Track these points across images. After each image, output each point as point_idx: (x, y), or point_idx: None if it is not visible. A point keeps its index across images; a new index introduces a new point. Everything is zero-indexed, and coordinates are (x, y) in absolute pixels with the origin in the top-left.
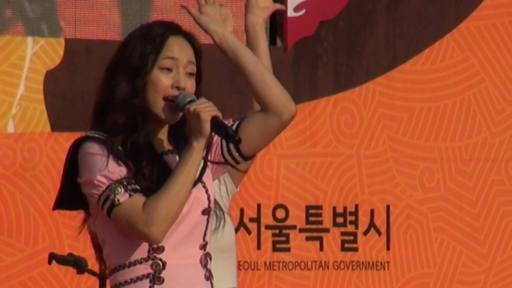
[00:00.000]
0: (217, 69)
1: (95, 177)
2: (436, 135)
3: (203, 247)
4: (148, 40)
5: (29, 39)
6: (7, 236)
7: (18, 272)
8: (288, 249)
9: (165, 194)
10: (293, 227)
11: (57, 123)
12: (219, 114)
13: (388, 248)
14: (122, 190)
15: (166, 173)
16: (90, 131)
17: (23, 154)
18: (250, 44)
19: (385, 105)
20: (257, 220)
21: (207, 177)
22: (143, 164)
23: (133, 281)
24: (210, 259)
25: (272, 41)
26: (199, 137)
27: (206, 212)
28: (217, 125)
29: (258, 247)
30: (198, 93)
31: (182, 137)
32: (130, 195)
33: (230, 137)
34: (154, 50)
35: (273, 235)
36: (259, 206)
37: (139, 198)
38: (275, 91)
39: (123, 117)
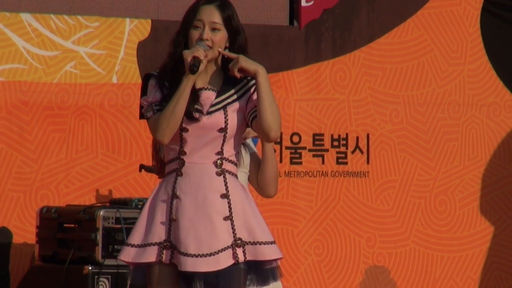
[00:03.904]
0: (250, 40)
1: (141, 101)
2: (401, 86)
3: (219, 153)
4: (189, 10)
5: (127, 20)
6: (111, 152)
7: (118, 177)
8: (300, 163)
9: (164, 112)
10: (304, 148)
11: (162, 63)
12: (198, 54)
13: (368, 162)
14: (150, 109)
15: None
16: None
17: (123, 97)
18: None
19: (367, 66)
20: (280, 143)
21: (234, 110)
22: (170, 93)
23: (169, 173)
24: (232, 162)
25: (291, 22)
26: (187, 72)
27: (222, 130)
28: (191, 62)
29: (280, 161)
30: (234, 44)
31: (236, 81)
32: (154, 113)
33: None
34: (191, 16)
35: (291, 153)
36: (281, 133)
37: (158, 115)
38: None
39: (171, 63)
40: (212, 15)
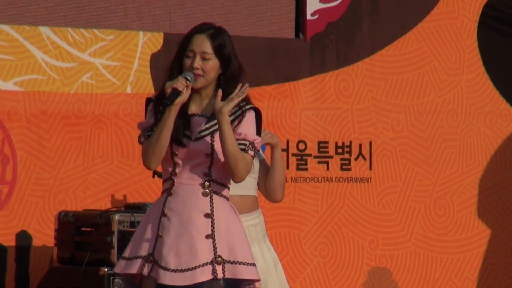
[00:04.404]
0: (258, 52)
1: (138, 126)
2: (402, 96)
3: (207, 175)
4: (184, 39)
5: (141, 33)
6: (126, 159)
7: (133, 183)
8: (306, 169)
9: (150, 140)
10: (310, 154)
11: (158, 87)
12: (177, 86)
13: (370, 168)
14: (143, 135)
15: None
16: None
17: (137, 106)
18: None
19: (369, 77)
20: (286, 150)
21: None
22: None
23: (163, 192)
24: (220, 184)
25: (297, 35)
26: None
27: (208, 156)
28: (169, 95)
29: (287, 167)
30: (226, 71)
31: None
32: (145, 138)
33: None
34: (184, 46)
35: (297, 160)
36: (288, 141)
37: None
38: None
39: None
40: (203, 44)
